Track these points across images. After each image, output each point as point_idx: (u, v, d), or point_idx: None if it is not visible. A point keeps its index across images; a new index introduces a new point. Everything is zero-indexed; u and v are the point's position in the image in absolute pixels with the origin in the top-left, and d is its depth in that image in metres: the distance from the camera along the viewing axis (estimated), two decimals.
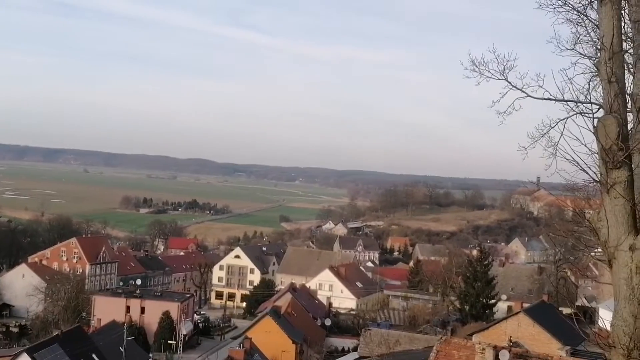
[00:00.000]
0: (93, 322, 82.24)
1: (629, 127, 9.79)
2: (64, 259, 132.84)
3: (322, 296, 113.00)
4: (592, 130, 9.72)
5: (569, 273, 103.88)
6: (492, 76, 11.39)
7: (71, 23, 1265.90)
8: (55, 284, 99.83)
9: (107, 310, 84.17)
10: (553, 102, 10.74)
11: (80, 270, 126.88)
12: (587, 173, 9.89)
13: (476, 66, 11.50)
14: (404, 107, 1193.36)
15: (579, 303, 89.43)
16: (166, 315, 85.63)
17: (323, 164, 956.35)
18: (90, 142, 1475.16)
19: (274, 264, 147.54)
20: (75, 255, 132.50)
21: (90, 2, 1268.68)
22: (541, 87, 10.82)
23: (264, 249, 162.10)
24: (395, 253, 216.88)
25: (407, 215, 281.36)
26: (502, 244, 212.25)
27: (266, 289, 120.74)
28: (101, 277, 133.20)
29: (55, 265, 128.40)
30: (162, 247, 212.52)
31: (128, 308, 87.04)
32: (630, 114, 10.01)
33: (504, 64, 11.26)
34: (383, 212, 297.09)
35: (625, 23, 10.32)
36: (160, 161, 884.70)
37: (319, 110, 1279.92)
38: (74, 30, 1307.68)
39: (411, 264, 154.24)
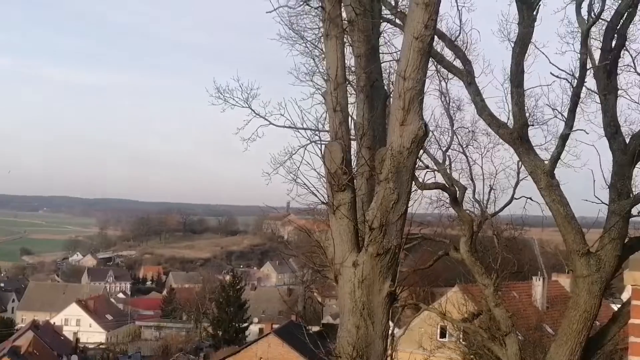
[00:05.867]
0: None
1: (352, 153, 10.61)
2: None
3: (69, 332, 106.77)
4: (320, 156, 10.37)
5: (315, 293, 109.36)
6: (237, 104, 11.69)
7: None
8: None
9: None
10: (293, 130, 11.32)
11: None
12: (315, 196, 10.52)
13: (221, 94, 11.74)
14: (156, 135, 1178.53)
15: (324, 321, 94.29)
16: None
17: (70, 192, 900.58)
18: None
19: (13, 301, 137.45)
20: None
21: None
22: (283, 115, 11.25)
23: (2, 285, 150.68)
24: (149, 282, 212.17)
25: (160, 243, 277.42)
26: (255, 268, 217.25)
27: (4, 328, 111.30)
28: None
29: None
30: None
31: None
32: (354, 141, 10.88)
33: (248, 92, 11.61)
34: (135, 241, 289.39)
35: (350, 57, 11.25)
36: None
37: (64, 135, 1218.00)
38: None
39: (164, 292, 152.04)
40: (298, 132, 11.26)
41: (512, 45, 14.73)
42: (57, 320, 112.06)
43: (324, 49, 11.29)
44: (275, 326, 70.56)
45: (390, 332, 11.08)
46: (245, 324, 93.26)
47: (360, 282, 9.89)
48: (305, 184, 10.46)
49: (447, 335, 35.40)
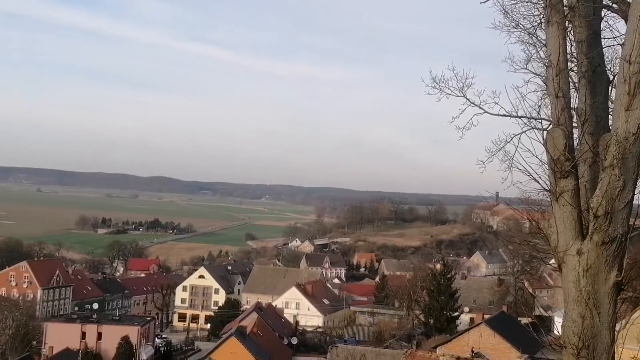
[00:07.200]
0: (44, 350, 79.33)
1: (575, 140, 10.48)
2: (13, 284, 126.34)
3: (288, 314, 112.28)
4: (542, 143, 10.37)
5: (526, 284, 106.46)
6: (452, 93, 11.87)
7: (20, 36, 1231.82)
8: (2, 311, 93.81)
9: (60, 337, 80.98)
10: (508, 118, 11.37)
11: (31, 296, 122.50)
12: (538, 182, 10.54)
13: (437, 83, 11.96)
14: (367, 125, 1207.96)
15: (536, 312, 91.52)
16: (125, 340, 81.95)
17: (289, 181, 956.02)
18: (43, 159, 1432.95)
19: (239, 283, 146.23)
20: (26, 280, 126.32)
21: (42, 14, 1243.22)
22: (497, 103, 11.43)
23: (229, 268, 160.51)
24: (362, 269, 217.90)
25: (372, 231, 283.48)
26: (464, 257, 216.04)
27: (231, 309, 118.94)
28: (54, 303, 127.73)
29: (2, 291, 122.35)
30: (122, 269, 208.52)
31: (84, 334, 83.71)
32: (576, 128, 10.72)
33: (463, 81, 11.79)
34: (349, 228, 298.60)
35: (570, 43, 11.07)
36: (120, 179, 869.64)
37: (283, 127, 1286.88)
38: (23, 43, 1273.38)
39: (377, 279, 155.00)
40: (514, 119, 11.31)
41: None
42: (278, 302, 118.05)
43: (542, 36, 11.23)
44: (487, 316, 69.67)
45: None
46: (456, 313, 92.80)
47: (585, 270, 9.78)
48: (527, 170, 10.53)
49: None
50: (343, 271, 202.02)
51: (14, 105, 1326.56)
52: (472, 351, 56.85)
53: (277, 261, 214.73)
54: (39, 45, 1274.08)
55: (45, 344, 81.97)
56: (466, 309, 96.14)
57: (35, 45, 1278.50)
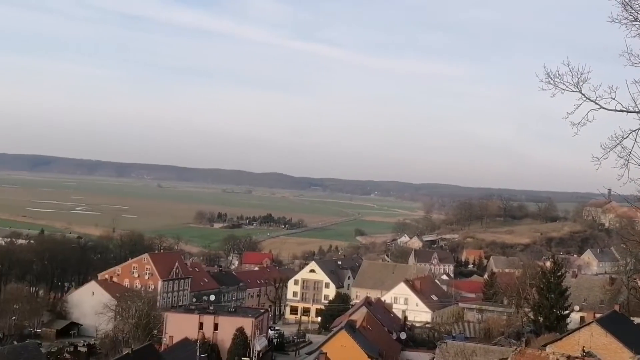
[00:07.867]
0: (165, 339, 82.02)
1: None
2: (136, 275, 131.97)
3: (397, 310, 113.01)
4: None
5: (639, 283, 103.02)
6: (567, 88, 11.84)
7: (144, 37, 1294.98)
8: (126, 301, 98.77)
9: (179, 327, 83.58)
10: (626, 113, 11.30)
11: (152, 287, 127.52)
12: None
13: (551, 79, 12.05)
14: (475, 121, 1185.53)
15: None
16: (240, 331, 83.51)
17: (398, 178, 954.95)
18: (163, 156, 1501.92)
19: (349, 278, 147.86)
20: (147, 272, 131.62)
21: (162, 16, 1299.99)
22: (614, 99, 11.42)
23: (339, 262, 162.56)
24: (470, 266, 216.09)
25: (481, 228, 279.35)
26: (575, 255, 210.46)
27: (341, 303, 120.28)
28: (174, 294, 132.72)
29: (126, 282, 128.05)
30: (237, 262, 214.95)
31: (201, 325, 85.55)
32: None
33: (578, 76, 11.78)
34: (458, 225, 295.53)
35: None
36: (235, 175, 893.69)
37: (392, 123, 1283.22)
38: (146, 44, 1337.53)
39: (486, 276, 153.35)
40: (632, 114, 11.28)
41: None
42: (387, 297, 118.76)
43: None
44: (598, 315, 68.54)
45: None
46: (566, 312, 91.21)
47: None
48: None
49: None
50: (451, 267, 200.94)
51: (136, 105, 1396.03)
52: (583, 350, 56.16)
53: (385, 257, 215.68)
54: (157, 46, 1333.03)
55: (165, 333, 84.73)
56: (576, 307, 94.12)
57: (154, 47, 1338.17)
